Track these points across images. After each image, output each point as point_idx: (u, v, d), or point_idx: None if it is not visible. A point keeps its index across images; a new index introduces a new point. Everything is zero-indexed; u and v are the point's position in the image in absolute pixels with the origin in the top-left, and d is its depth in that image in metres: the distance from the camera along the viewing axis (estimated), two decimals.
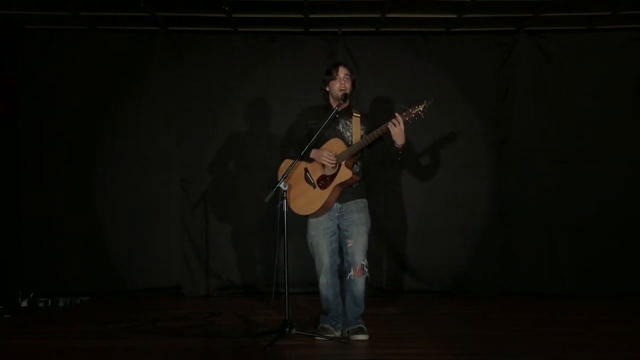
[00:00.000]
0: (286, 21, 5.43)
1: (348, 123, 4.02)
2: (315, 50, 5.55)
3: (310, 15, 5.23)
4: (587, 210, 5.46)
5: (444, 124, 5.42)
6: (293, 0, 5.00)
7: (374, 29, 5.60)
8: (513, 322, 4.44)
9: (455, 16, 5.26)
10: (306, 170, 3.99)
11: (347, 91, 3.96)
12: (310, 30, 5.58)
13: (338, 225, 4.01)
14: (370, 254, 4.06)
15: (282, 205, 3.88)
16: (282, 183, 3.85)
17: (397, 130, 3.79)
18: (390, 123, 3.79)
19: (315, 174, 3.97)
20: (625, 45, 5.48)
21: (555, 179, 5.50)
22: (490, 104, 5.56)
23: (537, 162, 5.52)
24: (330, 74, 3.98)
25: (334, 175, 3.91)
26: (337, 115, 4.00)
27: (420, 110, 3.76)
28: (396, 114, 3.79)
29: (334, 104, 3.99)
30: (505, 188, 5.54)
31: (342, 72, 3.97)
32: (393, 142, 3.84)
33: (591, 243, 5.44)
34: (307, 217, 4.02)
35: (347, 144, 3.94)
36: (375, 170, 4.73)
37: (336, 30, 5.53)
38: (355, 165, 3.97)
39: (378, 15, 5.26)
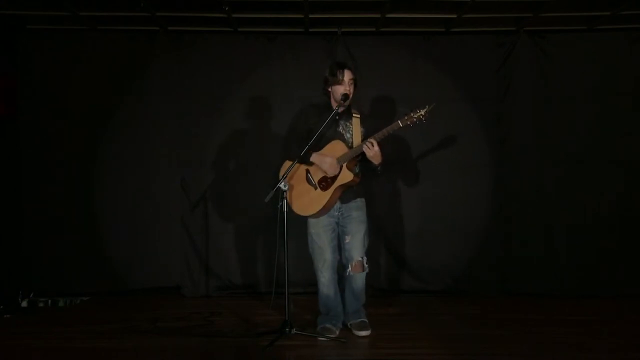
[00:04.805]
0: (286, 21, 5.43)
1: (348, 124, 4.02)
2: (315, 50, 5.54)
3: (310, 15, 5.23)
4: (587, 210, 5.45)
5: (444, 124, 5.40)
6: (293, 0, 5.00)
7: (373, 29, 5.60)
8: (513, 322, 4.44)
9: (455, 16, 5.26)
10: (307, 171, 4.00)
11: (350, 94, 3.96)
12: (310, 30, 5.57)
13: (337, 223, 4.03)
14: (370, 254, 4.09)
15: (282, 206, 3.89)
16: (282, 183, 3.85)
17: (371, 153, 3.82)
18: (364, 146, 3.81)
19: (317, 175, 3.97)
20: (625, 46, 5.47)
21: (555, 178, 5.49)
22: (490, 104, 5.55)
23: (536, 162, 5.51)
24: (335, 76, 3.96)
25: (336, 176, 3.91)
26: (337, 117, 4.00)
27: (421, 114, 3.77)
28: (369, 139, 3.80)
29: (334, 105, 3.99)
30: (505, 188, 5.53)
31: (347, 76, 3.96)
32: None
33: (591, 243, 5.44)
34: (307, 217, 4.02)
35: (348, 145, 3.95)
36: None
37: (336, 30, 5.53)
38: (355, 167, 3.98)
39: (378, 15, 5.25)
